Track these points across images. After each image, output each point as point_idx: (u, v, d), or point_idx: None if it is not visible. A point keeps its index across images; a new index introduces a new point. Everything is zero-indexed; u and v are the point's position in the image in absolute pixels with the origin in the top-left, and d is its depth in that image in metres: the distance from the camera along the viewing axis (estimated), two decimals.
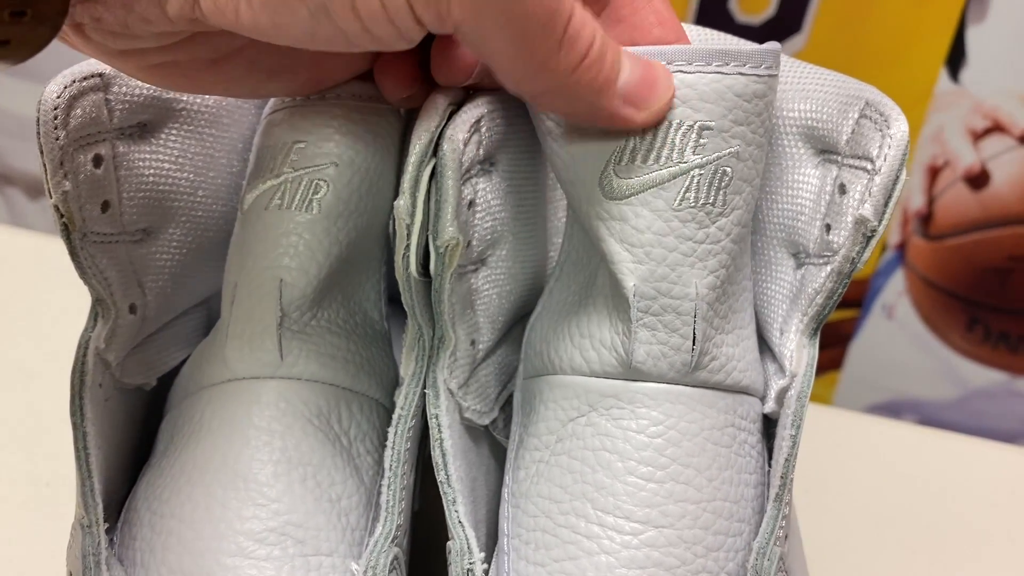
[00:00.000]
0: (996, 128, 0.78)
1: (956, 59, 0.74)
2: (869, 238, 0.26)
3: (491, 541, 0.30)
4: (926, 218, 0.82)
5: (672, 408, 0.27)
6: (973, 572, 0.45)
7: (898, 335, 0.87)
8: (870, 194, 0.26)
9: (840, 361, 0.90)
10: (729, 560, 0.27)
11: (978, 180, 0.79)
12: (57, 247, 0.28)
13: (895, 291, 0.85)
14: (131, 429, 0.31)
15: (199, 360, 0.30)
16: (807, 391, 0.27)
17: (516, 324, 0.32)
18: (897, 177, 0.26)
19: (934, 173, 0.80)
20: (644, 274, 0.26)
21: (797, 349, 0.28)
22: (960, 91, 0.75)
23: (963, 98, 0.76)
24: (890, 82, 0.79)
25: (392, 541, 0.27)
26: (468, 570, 0.26)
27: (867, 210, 0.26)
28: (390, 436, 0.27)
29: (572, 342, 0.29)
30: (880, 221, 0.26)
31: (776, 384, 0.28)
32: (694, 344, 0.27)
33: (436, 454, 0.26)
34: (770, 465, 0.28)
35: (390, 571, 0.26)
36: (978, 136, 0.77)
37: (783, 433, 0.27)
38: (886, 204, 0.26)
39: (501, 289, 0.31)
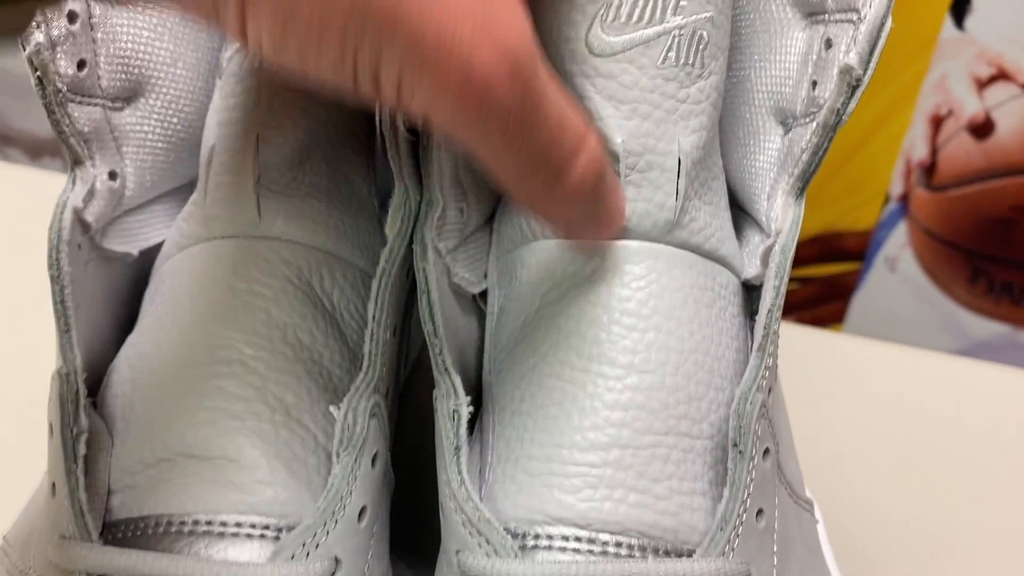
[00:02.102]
0: (1001, 76, 0.77)
1: (961, 5, 0.74)
2: (855, 88, 0.26)
3: (476, 407, 0.29)
4: (929, 169, 0.81)
5: (654, 264, 0.27)
6: (970, 483, 0.45)
7: (901, 288, 0.87)
8: (855, 43, 0.26)
9: (842, 314, 0.90)
10: (711, 412, 0.26)
11: (982, 129, 0.79)
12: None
13: (898, 243, 0.85)
14: (115, 302, 0.31)
15: (179, 224, 0.30)
16: (791, 245, 0.27)
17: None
18: (882, 24, 0.26)
19: (937, 123, 0.79)
20: (631, 130, 0.27)
21: (783, 208, 0.27)
22: (965, 38, 0.75)
23: (968, 45, 0.75)
24: (894, 29, 0.78)
25: (374, 389, 0.26)
26: (454, 411, 0.26)
27: (852, 59, 0.25)
28: (373, 288, 0.27)
29: None
30: (865, 70, 0.26)
31: (761, 247, 0.28)
32: (677, 199, 0.27)
33: (423, 305, 0.26)
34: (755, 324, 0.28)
35: (370, 416, 0.26)
36: (983, 84, 0.77)
37: (767, 285, 0.26)
38: (871, 52, 0.26)
39: None
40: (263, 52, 0.20)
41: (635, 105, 0.27)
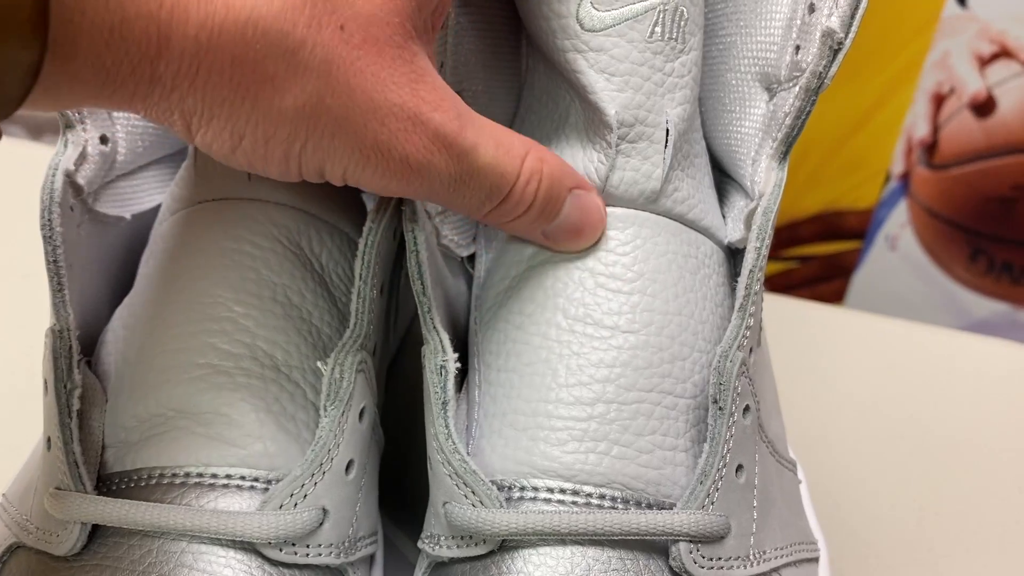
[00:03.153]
0: (1003, 53, 0.76)
1: None
2: (836, 51, 0.26)
3: (464, 366, 0.30)
4: (930, 147, 0.81)
5: (639, 231, 0.28)
6: (962, 455, 0.46)
7: (901, 266, 0.86)
8: (837, 6, 0.26)
9: (843, 293, 0.89)
10: (694, 372, 0.27)
11: (984, 107, 0.78)
12: None
13: (898, 222, 0.85)
14: (110, 265, 0.31)
15: (173, 189, 0.30)
16: (773, 207, 0.27)
17: None
18: None
19: (939, 101, 0.79)
20: (624, 101, 0.27)
21: (766, 172, 0.28)
22: (967, 15, 0.74)
23: (970, 22, 0.75)
24: (896, 6, 0.77)
25: (360, 345, 0.27)
26: (441, 367, 0.26)
27: (834, 22, 0.26)
28: (360, 245, 0.27)
29: None
30: (847, 33, 0.26)
31: (746, 210, 0.28)
32: (663, 169, 0.27)
33: (411, 264, 0.26)
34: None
35: (357, 372, 0.26)
36: (985, 62, 0.76)
37: (749, 247, 0.27)
38: (852, 15, 0.26)
39: None
40: (214, 155, 0.23)
41: (626, 78, 0.27)
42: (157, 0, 0.19)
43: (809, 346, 0.51)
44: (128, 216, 0.31)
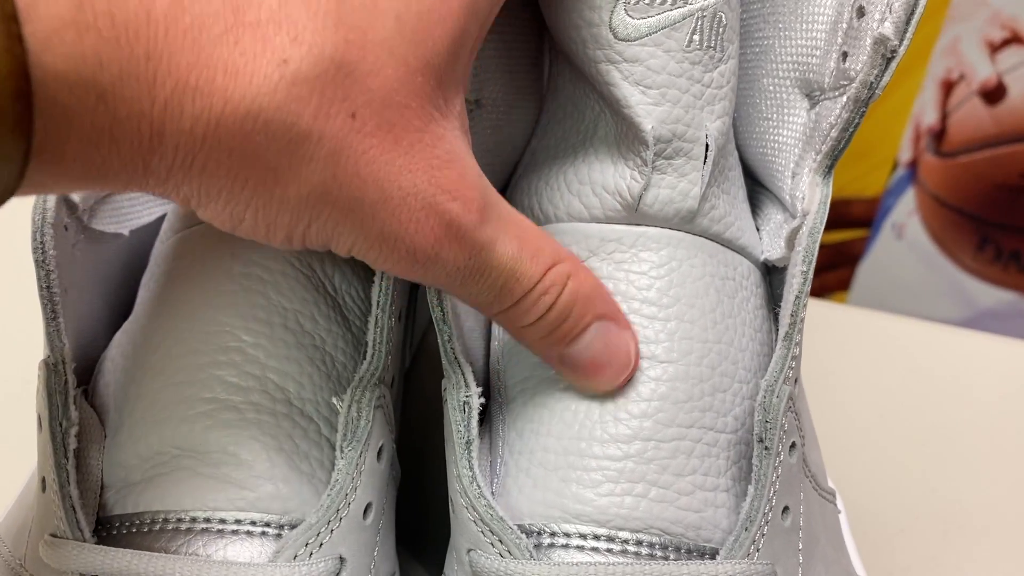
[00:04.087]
0: (1014, 39, 0.75)
1: None
2: (889, 60, 0.24)
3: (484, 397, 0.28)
4: (939, 134, 0.80)
5: (675, 252, 0.26)
6: (981, 456, 0.44)
7: (907, 255, 0.86)
8: (891, 11, 0.24)
9: (849, 281, 0.89)
10: (736, 405, 0.25)
11: (994, 94, 0.78)
12: None
13: (905, 210, 0.84)
14: (108, 286, 0.29)
15: (175, 206, 0.28)
16: (819, 227, 0.25)
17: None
18: None
19: (948, 87, 0.78)
20: (661, 116, 0.26)
21: (810, 188, 0.26)
22: (978, 0, 0.73)
23: (981, 8, 0.74)
24: None
25: (379, 379, 0.25)
26: (464, 403, 0.24)
27: (887, 28, 0.24)
28: (377, 274, 0.25)
29: (569, 190, 0.27)
30: (901, 40, 0.24)
31: (787, 228, 0.27)
32: (701, 187, 0.26)
33: (431, 293, 0.24)
34: (778, 312, 0.26)
35: (375, 408, 0.25)
36: (995, 48, 0.75)
37: (794, 271, 0.25)
38: (908, 21, 0.24)
39: (499, 135, 0.29)
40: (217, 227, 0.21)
41: (664, 90, 0.25)
42: (150, 97, 0.17)
43: (815, 346, 0.49)
44: (126, 232, 0.29)
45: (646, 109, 0.25)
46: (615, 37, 0.25)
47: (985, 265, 0.84)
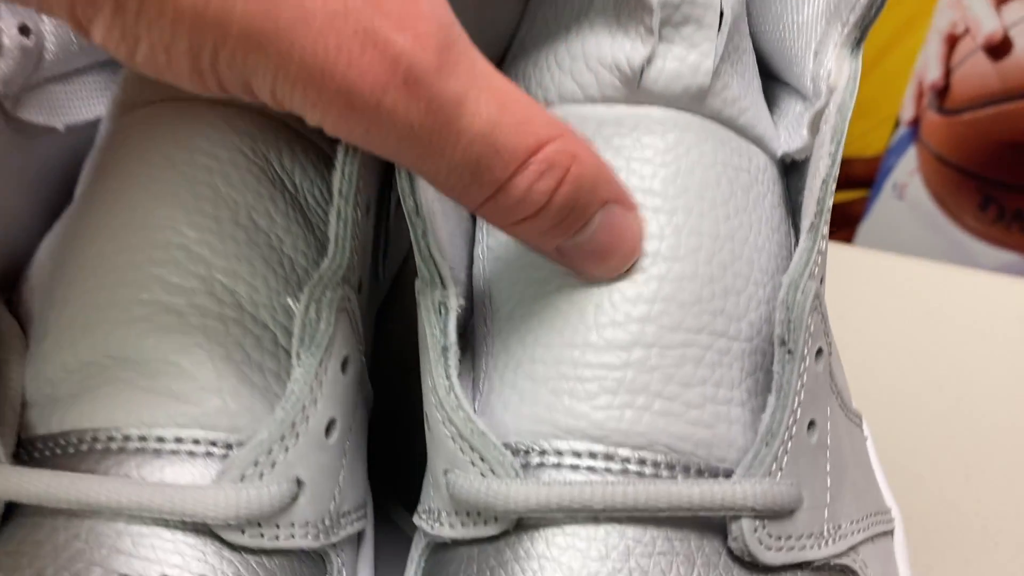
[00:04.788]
0: None
1: None
2: None
3: (468, 310, 0.25)
4: (942, 91, 0.79)
5: (682, 136, 0.23)
6: (998, 394, 0.41)
7: (909, 215, 0.84)
8: None
9: (849, 242, 0.88)
10: (751, 309, 0.22)
11: (999, 49, 0.77)
12: None
13: (907, 170, 0.82)
14: (40, 186, 0.26)
15: (115, 91, 0.25)
16: (849, 104, 0.22)
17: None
18: None
19: (952, 42, 0.77)
20: None
21: (837, 62, 0.23)
22: None
23: None
24: None
25: (342, 278, 0.22)
26: (440, 304, 0.21)
27: None
28: (339, 155, 0.22)
29: (560, 67, 0.24)
30: None
31: (808, 115, 0.23)
32: (714, 60, 0.22)
33: (402, 179, 0.21)
34: (799, 205, 0.23)
35: (338, 311, 0.21)
36: (1001, 0, 0.73)
37: (820, 152, 0.22)
38: None
39: (481, 16, 0.26)
40: (118, 59, 0.17)
41: None
42: None
43: (828, 288, 0.46)
44: (61, 128, 0.26)
45: None
46: None
47: (987, 225, 0.83)
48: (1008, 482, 0.38)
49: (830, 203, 0.22)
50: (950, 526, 0.37)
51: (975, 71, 0.75)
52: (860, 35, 0.23)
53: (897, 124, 0.78)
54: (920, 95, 0.77)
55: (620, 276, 0.21)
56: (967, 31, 0.75)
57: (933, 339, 0.45)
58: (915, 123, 0.78)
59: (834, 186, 0.22)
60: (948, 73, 0.76)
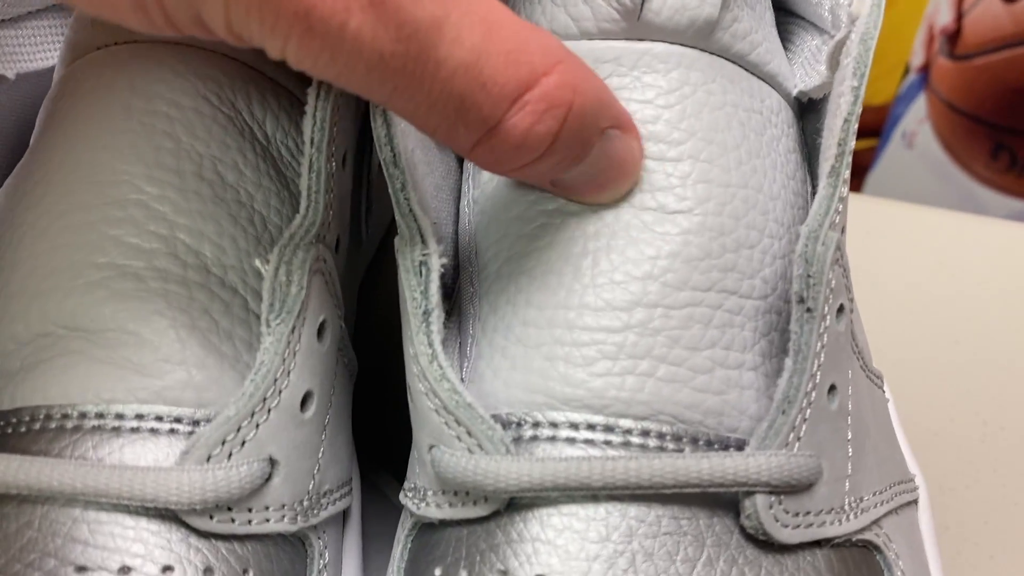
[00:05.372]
0: None
1: None
2: None
3: (453, 270, 0.23)
4: (953, 36, 0.78)
5: (688, 74, 0.21)
6: (1013, 355, 0.40)
7: (918, 164, 0.83)
8: None
9: (858, 192, 0.87)
10: (766, 264, 0.20)
11: None
12: None
13: (916, 118, 0.81)
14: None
15: (68, 35, 0.23)
16: (873, 33, 0.20)
17: None
18: None
19: None
20: None
21: None
22: None
23: None
24: None
25: (316, 237, 0.20)
26: (421, 263, 0.19)
27: None
28: (310, 98, 0.20)
29: (553, 1, 0.22)
30: None
31: (827, 49, 0.21)
32: None
33: (378, 126, 0.19)
34: (817, 147, 0.21)
35: (312, 273, 0.19)
36: None
37: (841, 88, 0.20)
38: None
39: None
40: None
41: None
42: None
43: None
44: (11, 76, 0.24)
45: None
46: None
47: (999, 174, 0.82)
48: None
49: (852, 144, 0.20)
50: (967, 486, 0.35)
51: (987, 14, 0.74)
52: None
53: (907, 71, 0.77)
54: (930, 40, 0.76)
55: (619, 232, 0.20)
56: None
57: (948, 290, 0.43)
58: (925, 69, 0.77)
59: (856, 126, 0.20)
60: (960, 17, 0.74)
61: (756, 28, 0.22)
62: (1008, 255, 0.45)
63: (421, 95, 0.16)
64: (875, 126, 0.82)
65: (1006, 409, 0.37)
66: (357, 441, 0.25)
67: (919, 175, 0.83)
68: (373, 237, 0.27)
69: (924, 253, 0.45)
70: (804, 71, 0.23)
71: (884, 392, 0.24)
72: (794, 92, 0.23)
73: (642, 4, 0.20)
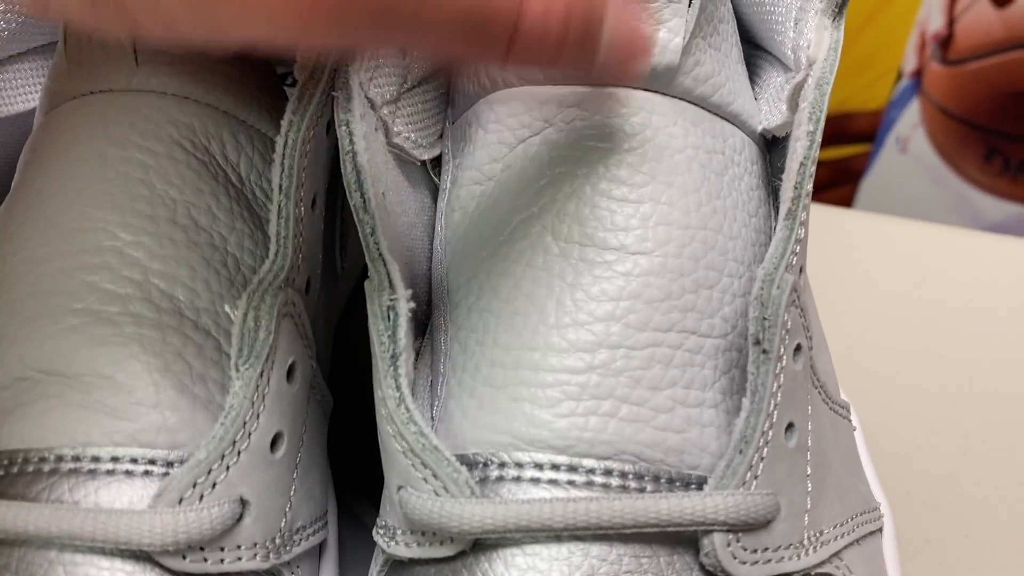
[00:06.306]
0: None
1: None
2: None
3: (427, 306, 0.23)
4: (945, 41, 0.78)
5: (650, 118, 0.21)
6: (1000, 364, 0.40)
7: (912, 169, 0.83)
8: None
9: (851, 199, 0.88)
10: (725, 303, 0.20)
11: None
12: None
13: (909, 123, 0.81)
14: None
15: (46, 84, 0.23)
16: (829, 77, 0.20)
17: None
18: None
19: None
20: None
21: (817, 32, 0.21)
22: None
23: None
24: None
25: (285, 281, 0.20)
26: (389, 308, 0.19)
27: None
28: (279, 146, 0.20)
29: None
30: None
31: (788, 88, 0.22)
32: (684, 37, 0.21)
33: (347, 171, 0.19)
34: (777, 195, 0.22)
35: (280, 317, 0.20)
36: None
37: (798, 132, 0.20)
38: None
39: None
40: None
41: None
42: None
43: (825, 254, 0.45)
44: None
45: None
46: None
47: (992, 178, 0.82)
48: (1009, 452, 0.37)
49: (809, 187, 0.20)
50: (949, 500, 0.35)
51: (979, 19, 0.74)
52: (841, 2, 0.21)
53: (899, 76, 0.77)
54: (923, 46, 0.76)
55: (583, 273, 0.20)
56: None
57: (931, 303, 0.43)
58: (918, 75, 0.77)
59: (814, 169, 0.20)
60: (951, 22, 0.74)
61: (719, 70, 0.22)
62: (992, 267, 0.46)
63: (434, 25, 0.16)
64: (869, 131, 0.81)
65: (987, 422, 0.38)
66: (337, 467, 0.26)
67: (913, 180, 0.83)
68: (352, 268, 0.28)
69: (908, 266, 0.46)
70: (769, 107, 0.23)
71: (851, 421, 0.24)
72: (759, 129, 0.23)
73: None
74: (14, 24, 0.24)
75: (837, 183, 0.87)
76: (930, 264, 0.46)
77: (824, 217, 0.48)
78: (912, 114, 0.79)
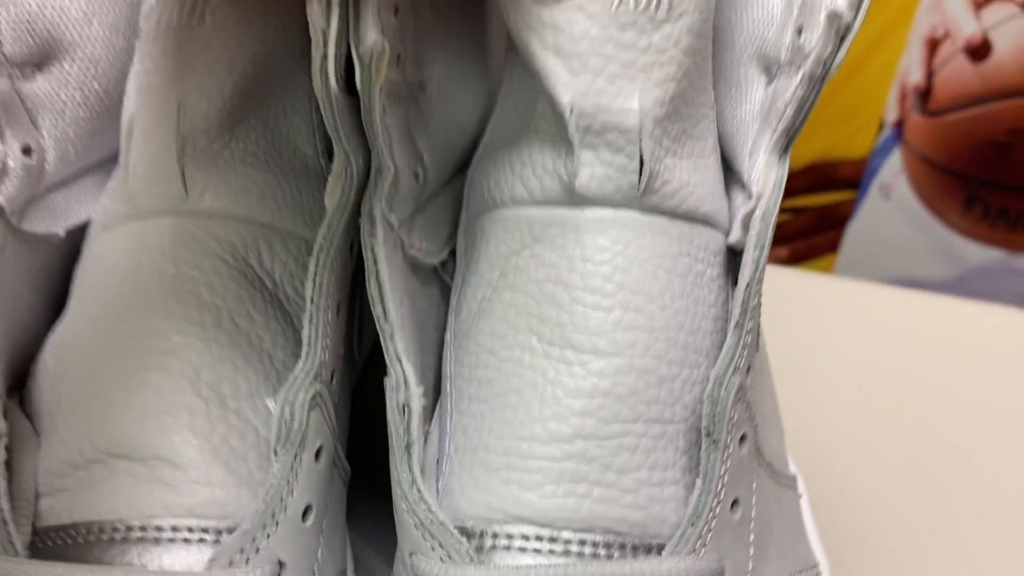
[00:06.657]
0: None
1: None
2: (843, 36, 0.23)
3: (437, 391, 0.27)
4: (925, 93, 0.79)
5: (620, 234, 0.25)
6: (971, 429, 0.44)
7: (895, 215, 0.85)
8: None
9: (837, 244, 0.88)
10: (685, 392, 0.24)
11: (979, 51, 0.76)
12: None
13: (892, 170, 0.83)
14: (45, 287, 0.28)
15: (104, 201, 0.27)
16: (773, 211, 0.24)
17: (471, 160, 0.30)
18: None
19: (933, 45, 0.77)
20: (581, 88, 0.24)
21: (765, 168, 0.25)
22: None
23: None
24: None
25: (315, 377, 0.24)
26: (404, 405, 0.24)
27: (840, 3, 0.23)
28: (311, 267, 0.24)
29: (513, 172, 0.26)
30: (855, 15, 0.23)
31: (742, 210, 0.26)
32: (641, 165, 0.24)
33: (371, 286, 0.23)
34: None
35: (311, 408, 0.24)
36: (980, 4, 0.74)
37: (746, 257, 0.24)
38: None
39: (445, 118, 0.28)
40: None
41: (584, 59, 0.23)
42: None
43: (797, 322, 0.48)
44: (62, 232, 0.28)
45: (564, 81, 0.24)
46: (533, 1, 0.24)
47: (973, 223, 0.84)
48: (966, 505, 0.40)
49: (755, 303, 0.24)
50: (907, 549, 0.39)
51: (956, 73, 0.76)
52: (787, 143, 0.25)
53: (882, 126, 0.80)
54: (903, 97, 0.78)
55: (562, 371, 0.24)
56: (947, 34, 0.75)
57: (893, 364, 0.47)
58: (899, 125, 0.79)
59: (760, 288, 0.24)
60: (930, 76, 0.77)
61: (689, 178, 0.25)
62: (961, 334, 0.49)
63: None
64: (854, 178, 0.83)
65: (949, 478, 0.41)
66: (355, 527, 0.29)
67: (897, 225, 0.85)
68: (364, 351, 0.32)
69: (882, 333, 0.49)
70: (733, 225, 0.27)
71: (797, 490, 0.28)
72: (729, 240, 0.27)
73: (574, 179, 0.25)
74: (81, 146, 0.28)
75: (824, 229, 0.88)
76: (901, 329, 0.49)
77: (799, 283, 0.51)
78: (895, 162, 0.81)
